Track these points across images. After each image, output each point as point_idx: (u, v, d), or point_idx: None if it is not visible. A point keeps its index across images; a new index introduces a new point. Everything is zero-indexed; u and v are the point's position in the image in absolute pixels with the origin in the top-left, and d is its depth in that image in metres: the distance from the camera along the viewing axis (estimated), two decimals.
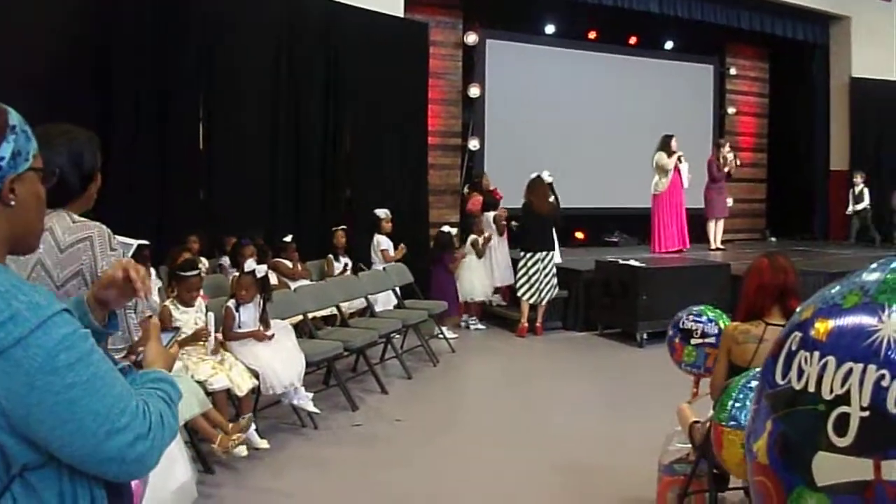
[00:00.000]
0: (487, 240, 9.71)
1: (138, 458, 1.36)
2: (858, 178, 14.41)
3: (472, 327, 9.63)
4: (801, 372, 1.57)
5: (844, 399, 1.45)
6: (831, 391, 1.48)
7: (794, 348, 1.62)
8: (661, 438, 4.27)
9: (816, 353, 1.55)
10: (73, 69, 7.23)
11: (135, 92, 7.75)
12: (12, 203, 1.41)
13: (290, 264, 8.00)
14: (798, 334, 1.64)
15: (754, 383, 2.91)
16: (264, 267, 6.13)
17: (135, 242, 2.83)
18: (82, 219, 2.38)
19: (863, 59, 15.39)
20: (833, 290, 1.70)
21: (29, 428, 1.29)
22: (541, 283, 9.09)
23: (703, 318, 4.55)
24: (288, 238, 8.06)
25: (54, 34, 7.04)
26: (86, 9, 7.44)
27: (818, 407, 1.49)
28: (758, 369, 3.08)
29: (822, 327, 1.59)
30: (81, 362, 1.32)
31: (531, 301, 9.18)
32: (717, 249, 12.49)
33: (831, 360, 1.50)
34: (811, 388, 1.52)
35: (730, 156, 12.78)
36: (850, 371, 1.46)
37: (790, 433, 1.57)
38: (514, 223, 9.87)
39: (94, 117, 6.99)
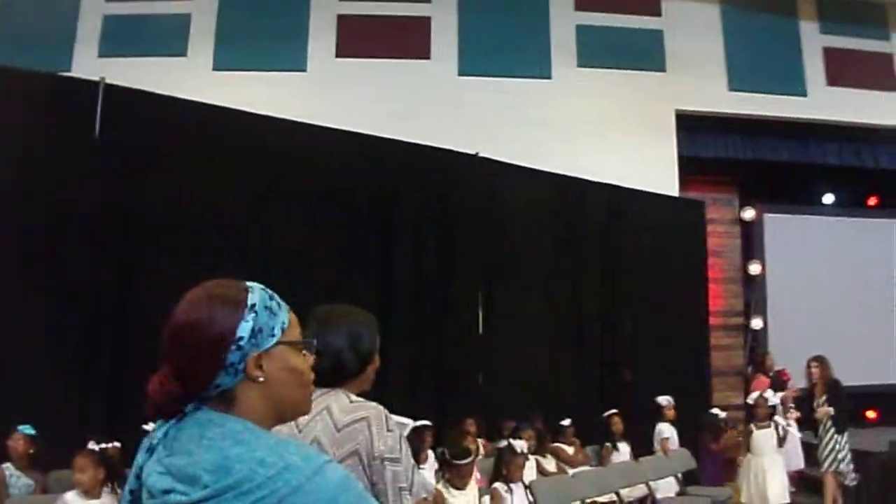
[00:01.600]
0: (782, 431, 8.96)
1: None
2: None
3: None
4: None
5: None
6: None
7: None
8: None
9: None
10: (355, 252, 7.68)
11: (416, 272, 8.06)
12: (261, 379, 1.44)
13: (570, 450, 7.83)
14: None
15: None
16: (522, 443, 6.07)
17: (410, 422, 2.86)
18: (360, 399, 2.43)
19: None
20: None
21: None
22: (849, 462, 8.24)
23: None
24: (566, 422, 7.93)
25: (337, 219, 7.52)
26: (366, 189, 7.84)
27: None
28: None
29: None
30: (361, 500, 1.36)
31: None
32: None
33: None
34: None
35: None
36: None
37: None
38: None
39: (375, 298, 7.36)
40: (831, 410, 8.32)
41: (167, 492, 1.32)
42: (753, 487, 7.86)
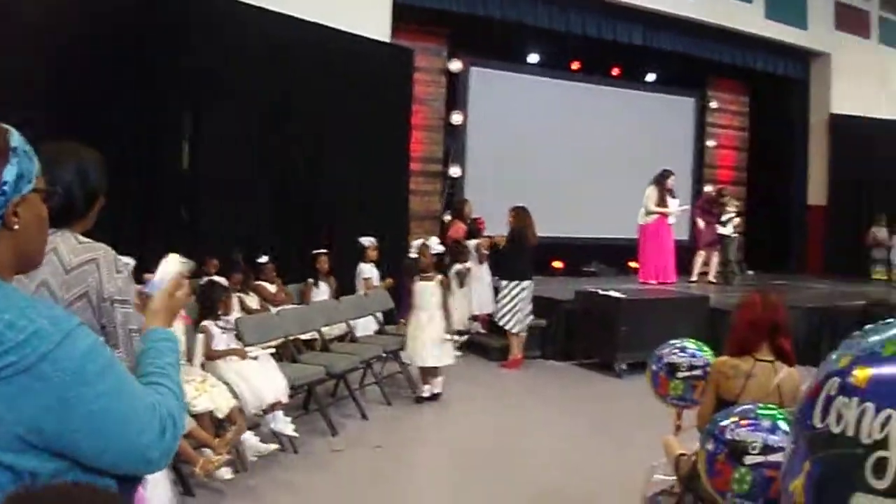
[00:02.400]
0: (467, 270, 9.68)
1: (164, 451, 1.43)
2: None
3: None
4: (839, 417, 1.61)
5: (883, 444, 1.50)
6: (870, 436, 1.52)
7: (832, 393, 1.66)
8: (642, 469, 4.28)
9: (855, 399, 1.59)
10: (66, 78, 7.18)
11: (120, 107, 7.66)
12: (16, 227, 1.41)
13: (272, 288, 7.97)
14: (837, 380, 1.68)
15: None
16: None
17: (132, 261, 2.81)
18: (88, 240, 2.35)
19: (842, 96, 15.68)
20: (871, 339, 1.75)
21: (61, 441, 1.30)
22: (524, 312, 9.09)
23: (689, 352, 4.54)
24: (264, 259, 8.02)
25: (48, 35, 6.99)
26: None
27: (857, 450, 1.54)
28: (747, 405, 3.14)
29: (861, 374, 1.64)
30: (107, 370, 1.36)
31: (515, 330, 9.12)
32: (699, 282, 12.55)
33: (870, 406, 1.55)
34: (850, 433, 1.57)
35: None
36: (890, 417, 1.51)
37: (828, 474, 1.63)
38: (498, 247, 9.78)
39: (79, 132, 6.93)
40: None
41: None
42: (411, 345, 7.64)
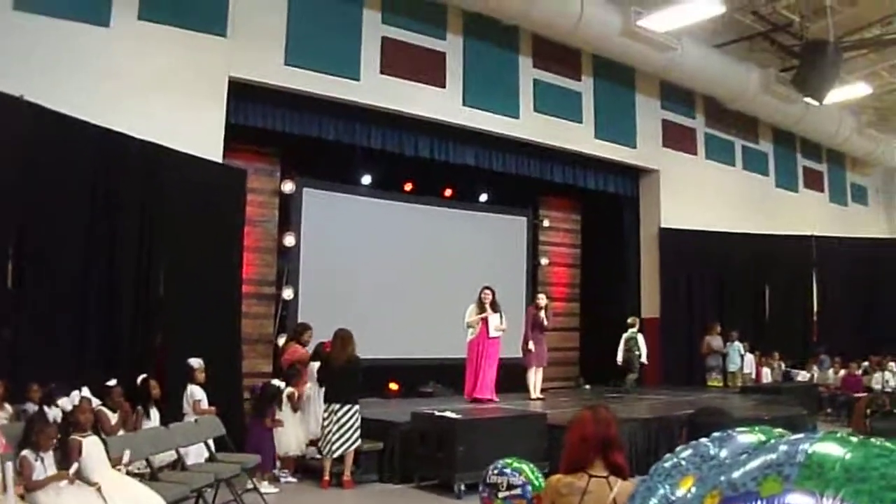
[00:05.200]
0: (300, 395, 9.55)
1: None
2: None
3: (282, 479, 9.30)
4: None
5: None
6: None
7: None
8: None
9: None
10: None
11: None
12: None
13: (113, 419, 7.53)
14: None
15: None
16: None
17: None
18: None
19: (671, 210, 16.58)
20: (736, 473, 1.47)
21: None
22: (332, 433, 8.97)
23: (507, 471, 4.69)
24: (112, 382, 7.64)
25: None
26: None
27: None
28: None
29: None
30: None
31: (322, 453, 9.09)
32: (538, 399, 12.68)
33: None
34: None
35: (543, 305, 13.12)
36: None
37: None
38: None
39: None
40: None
41: None
42: None
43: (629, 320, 15.05)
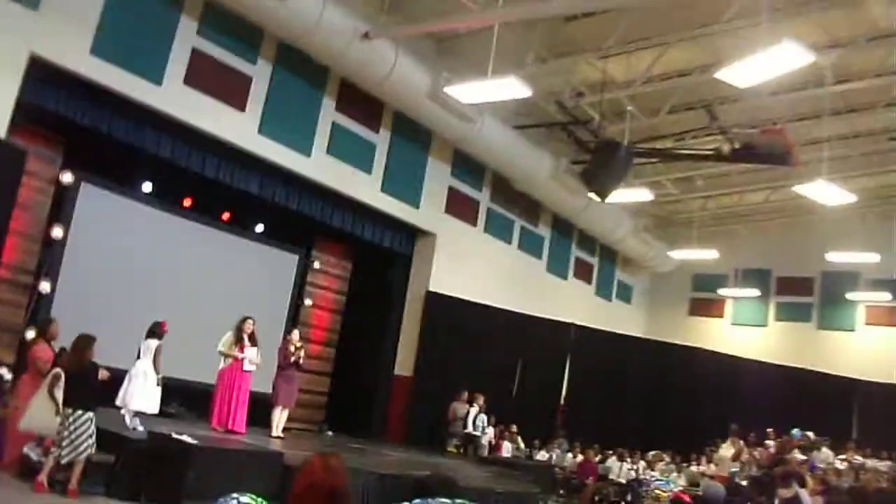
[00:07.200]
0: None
1: None
2: None
3: None
4: None
5: None
6: None
7: None
8: None
9: None
10: None
11: None
12: None
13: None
14: None
15: None
16: None
17: None
18: None
19: (441, 275, 17.05)
20: None
21: None
22: (64, 438, 8.60)
23: None
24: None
25: None
26: None
27: None
28: None
29: None
30: None
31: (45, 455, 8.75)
32: (278, 437, 12.51)
33: None
34: None
35: (297, 345, 13.07)
36: None
37: None
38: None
39: None
40: None
41: None
42: None
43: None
